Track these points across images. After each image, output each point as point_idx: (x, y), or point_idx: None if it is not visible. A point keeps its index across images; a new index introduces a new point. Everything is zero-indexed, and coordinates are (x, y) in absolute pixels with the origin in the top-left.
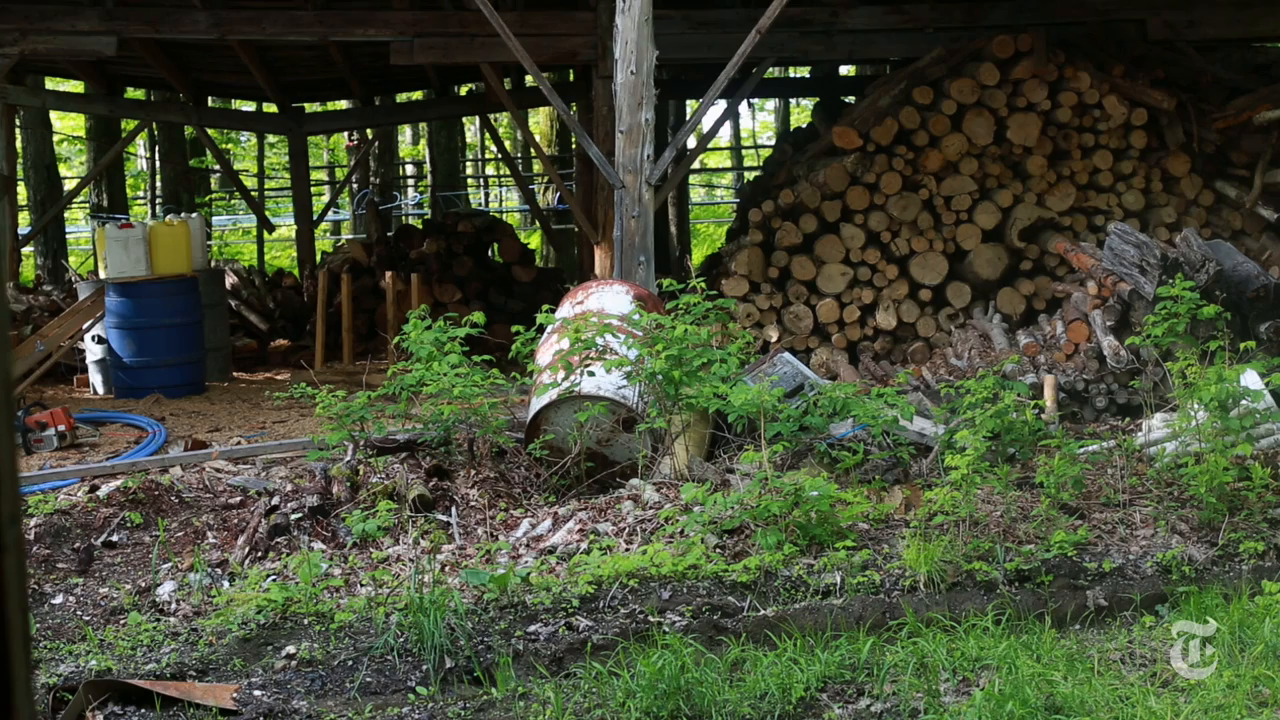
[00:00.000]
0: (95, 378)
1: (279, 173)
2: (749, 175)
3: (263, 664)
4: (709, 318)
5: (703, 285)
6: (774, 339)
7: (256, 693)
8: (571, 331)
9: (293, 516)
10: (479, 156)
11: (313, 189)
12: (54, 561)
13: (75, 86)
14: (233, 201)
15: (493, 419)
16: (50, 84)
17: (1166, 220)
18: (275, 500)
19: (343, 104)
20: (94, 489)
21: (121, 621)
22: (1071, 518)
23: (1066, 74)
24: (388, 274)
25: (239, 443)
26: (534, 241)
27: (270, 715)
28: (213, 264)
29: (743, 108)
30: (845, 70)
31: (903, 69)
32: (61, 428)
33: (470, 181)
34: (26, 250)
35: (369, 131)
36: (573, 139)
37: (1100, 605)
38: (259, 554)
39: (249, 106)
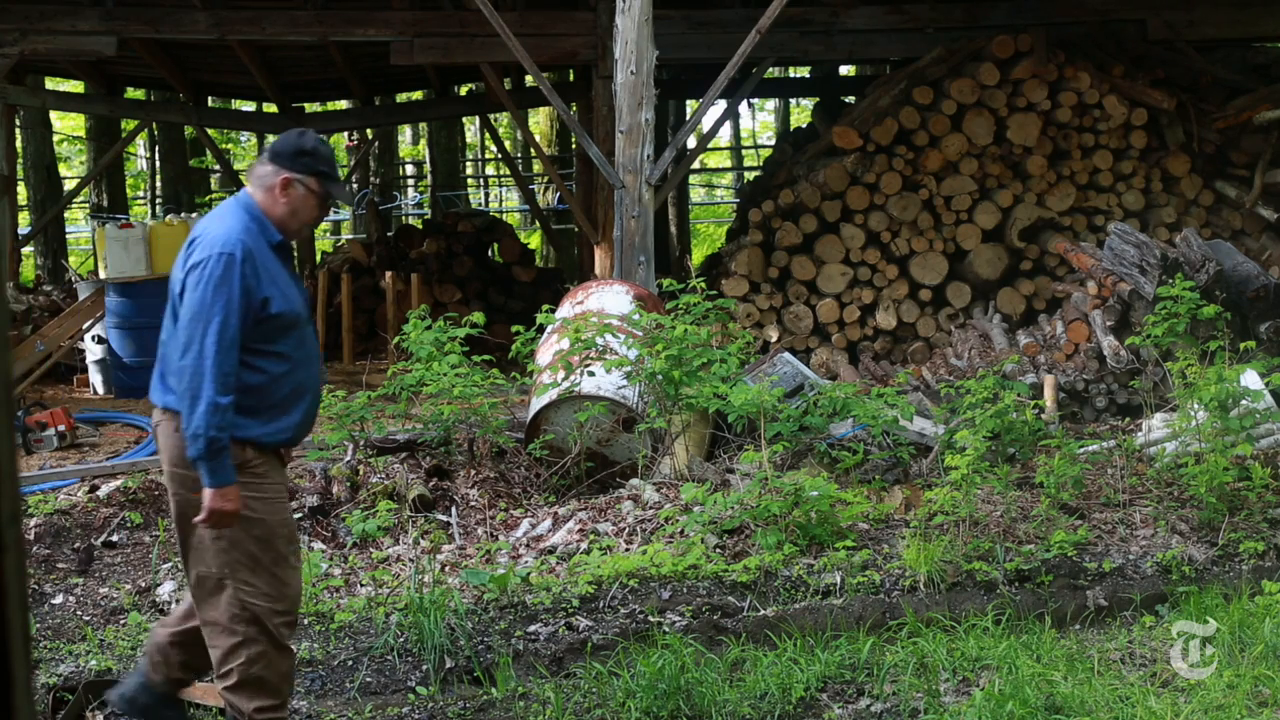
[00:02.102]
0: (95, 378)
1: None
2: (749, 175)
3: None
4: (709, 318)
5: (703, 285)
6: (774, 339)
7: None
8: (571, 331)
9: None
10: (479, 156)
11: None
12: (54, 561)
13: (75, 86)
14: None
15: (493, 419)
16: (50, 84)
17: (1166, 220)
18: None
19: (343, 104)
20: (94, 489)
21: (121, 621)
22: (1071, 518)
23: (1066, 74)
24: (388, 274)
25: None
26: (534, 241)
27: None
28: None
29: (743, 108)
30: (845, 70)
31: (903, 69)
32: (61, 428)
33: (470, 181)
34: (26, 250)
35: (369, 131)
36: (573, 139)
37: (1100, 605)
38: None
39: (249, 106)
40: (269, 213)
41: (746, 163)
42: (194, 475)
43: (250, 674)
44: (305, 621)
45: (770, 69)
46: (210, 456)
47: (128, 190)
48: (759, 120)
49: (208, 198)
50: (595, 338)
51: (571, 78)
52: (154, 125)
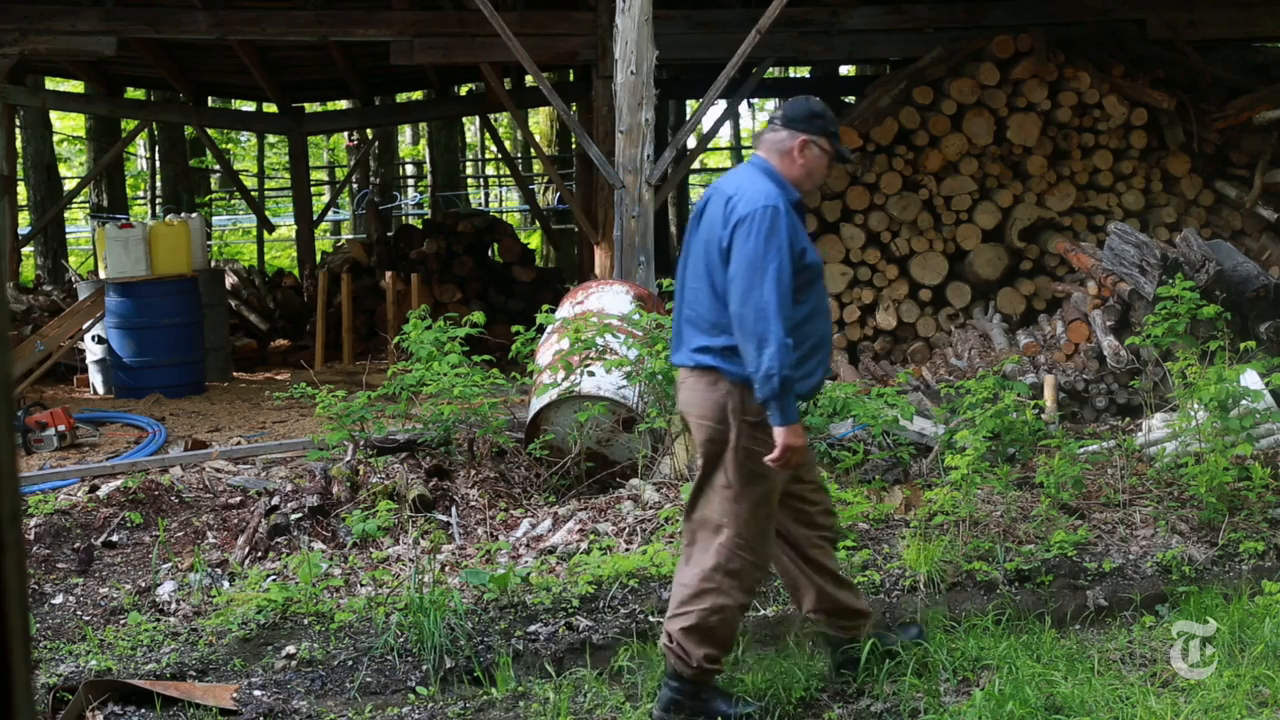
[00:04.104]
0: (95, 378)
1: (279, 173)
2: None
3: (263, 664)
4: None
5: None
6: None
7: (256, 693)
8: (571, 331)
9: (293, 516)
10: (479, 156)
11: (313, 189)
12: (54, 561)
13: (75, 86)
14: (233, 201)
15: (493, 419)
16: (50, 84)
17: (1166, 220)
18: (275, 500)
19: (343, 104)
20: (94, 489)
21: (121, 621)
22: (1071, 518)
23: (1066, 74)
24: (388, 274)
25: (239, 443)
26: (534, 241)
27: (270, 715)
28: (213, 264)
29: (743, 108)
30: (845, 70)
31: (903, 69)
32: (61, 428)
33: (470, 181)
34: (26, 250)
35: (369, 131)
36: (573, 139)
37: (1100, 605)
38: (259, 554)
39: (249, 106)
40: (786, 174)
41: None
42: (726, 429)
43: (709, 622)
44: (305, 622)
45: (770, 69)
46: (782, 395)
47: (128, 190)
48: (759, 120)
49: (208, 198)
50: (595, 338)
51: (571, 78)
52: (154, 125)
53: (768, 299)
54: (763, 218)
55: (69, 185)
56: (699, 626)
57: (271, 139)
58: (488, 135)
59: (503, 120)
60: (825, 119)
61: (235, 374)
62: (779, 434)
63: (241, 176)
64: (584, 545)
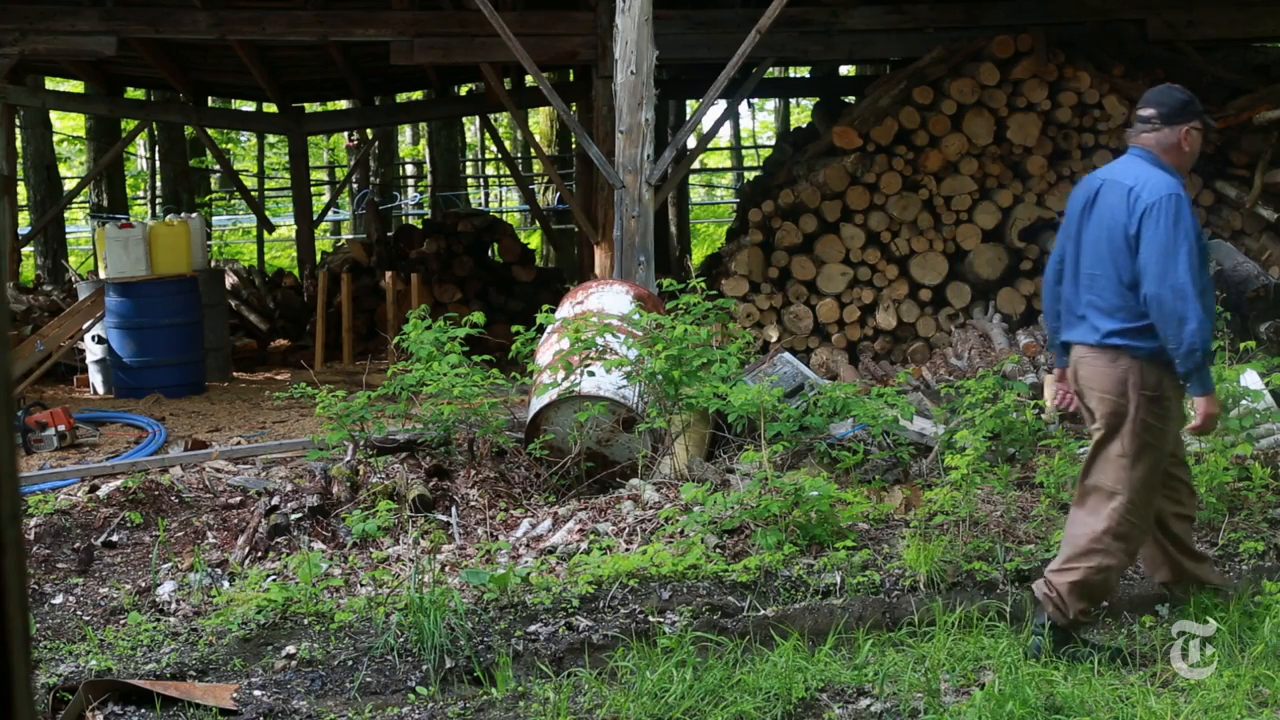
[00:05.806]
0: (95, 378)
1: (279, 173)
2: (749, 175)
3: (263, 664)
4: (709, 318)
5: (703, 285)
6: (774, 339)
7: (256, 693)
8: (571, 331)
9: (293, 516)
10: (479, 156)
11: (313, 189)
12: (54, 561)
13: (75, 86)
14: (233, 201)
15: (493, 419)
16: (50, 84)
17: None
18: (275, 500)
19: (343, 104)
20: (94, 489)
21: (121, 621)
22: None
23: (1066, 74)
24: (388, 274)
25: (239, 443)
26: (534, 241)
27: (270, 715)
28: (213, 264)
29: (743, 108)
30: (845, 70)
31: (903, 69)
32: (61, 428)
33: (470, 181)
34: (26, 250)
35: (369, 131)
36: (573, 139)
37: (1100, 605)
38: (259, 554)
39: (249, 106)
40: (1174, 164)
41: (746, 163)
42: (1126, 402)
43: (1092, 579)
44: (305, 622)
45: (770, 69)
46: (1203, 367)
47: (128, 190)
48: (759, 120)
49: (208, 198)
50: (595, 338)
51: (571, 78)
52: (154, 125)
53: (1183, 280)
54: (1168, 204)
55: (69, 185)
56: (1083, 583)
57: (271, 139)
58: (488, 135)
59: (503, 120)
60: (1194, 101)
61: (235, 374)
62: (1200, 402)
63: (241, 176)
64: (584, 545)
